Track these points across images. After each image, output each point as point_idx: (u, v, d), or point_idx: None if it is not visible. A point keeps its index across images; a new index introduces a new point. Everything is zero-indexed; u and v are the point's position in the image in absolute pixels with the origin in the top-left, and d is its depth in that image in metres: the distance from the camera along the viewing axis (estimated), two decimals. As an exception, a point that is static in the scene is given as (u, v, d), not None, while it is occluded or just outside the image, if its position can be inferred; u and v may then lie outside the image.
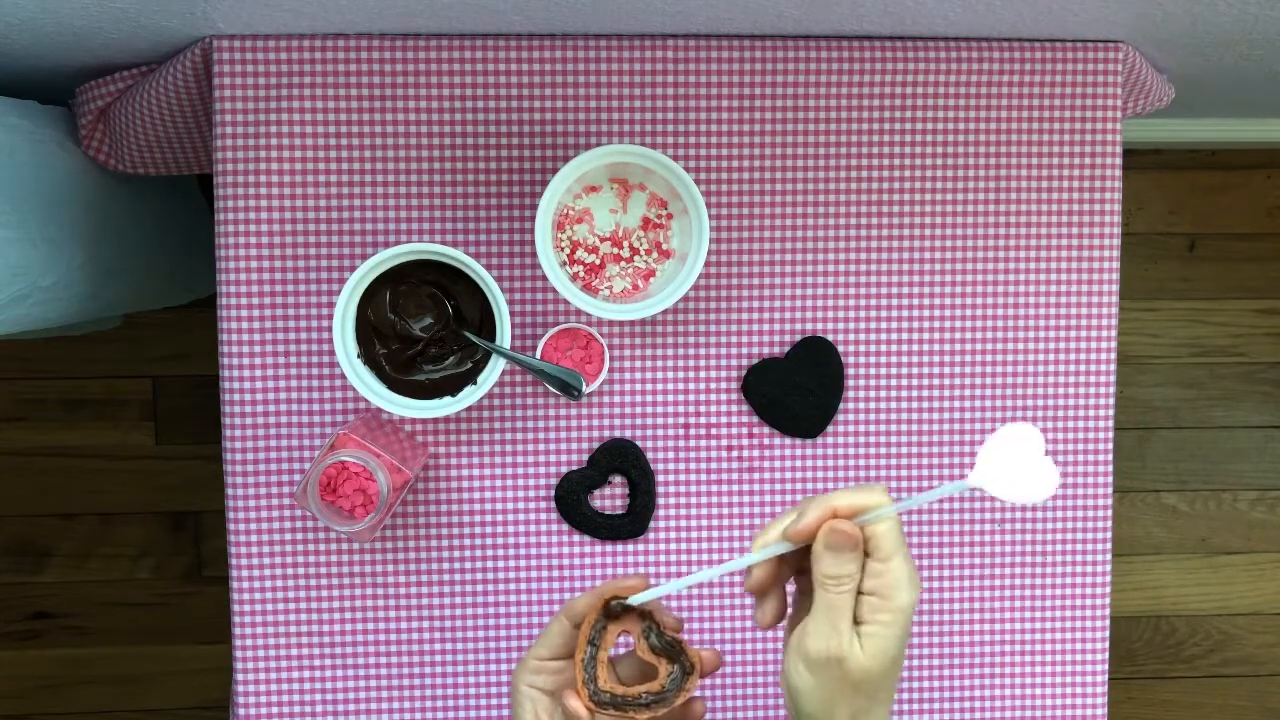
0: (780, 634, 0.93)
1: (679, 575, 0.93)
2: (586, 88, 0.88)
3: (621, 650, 0.75)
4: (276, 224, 0.88)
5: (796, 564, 0.67)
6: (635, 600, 0.70)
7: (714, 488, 0.92)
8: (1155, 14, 0.84)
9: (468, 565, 0.92)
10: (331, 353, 0.88)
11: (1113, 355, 0.94)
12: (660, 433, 0.92)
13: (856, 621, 0.62)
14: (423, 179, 0.89)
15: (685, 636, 0.92)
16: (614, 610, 0.71)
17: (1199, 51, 0.95)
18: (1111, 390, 0.94)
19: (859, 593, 0.62)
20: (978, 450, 0.62)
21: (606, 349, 0.90)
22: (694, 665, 0.70)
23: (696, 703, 0.73)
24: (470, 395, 0.84)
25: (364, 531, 0.83)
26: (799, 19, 0.85)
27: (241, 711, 0.91)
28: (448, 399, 0.84)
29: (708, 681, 0.93)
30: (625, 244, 0.88)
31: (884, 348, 0.92)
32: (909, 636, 0.64)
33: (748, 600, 0.93)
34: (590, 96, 0.89)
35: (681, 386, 0.91)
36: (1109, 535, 0.95)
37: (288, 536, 0.90)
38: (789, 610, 0.68)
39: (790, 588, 0.69)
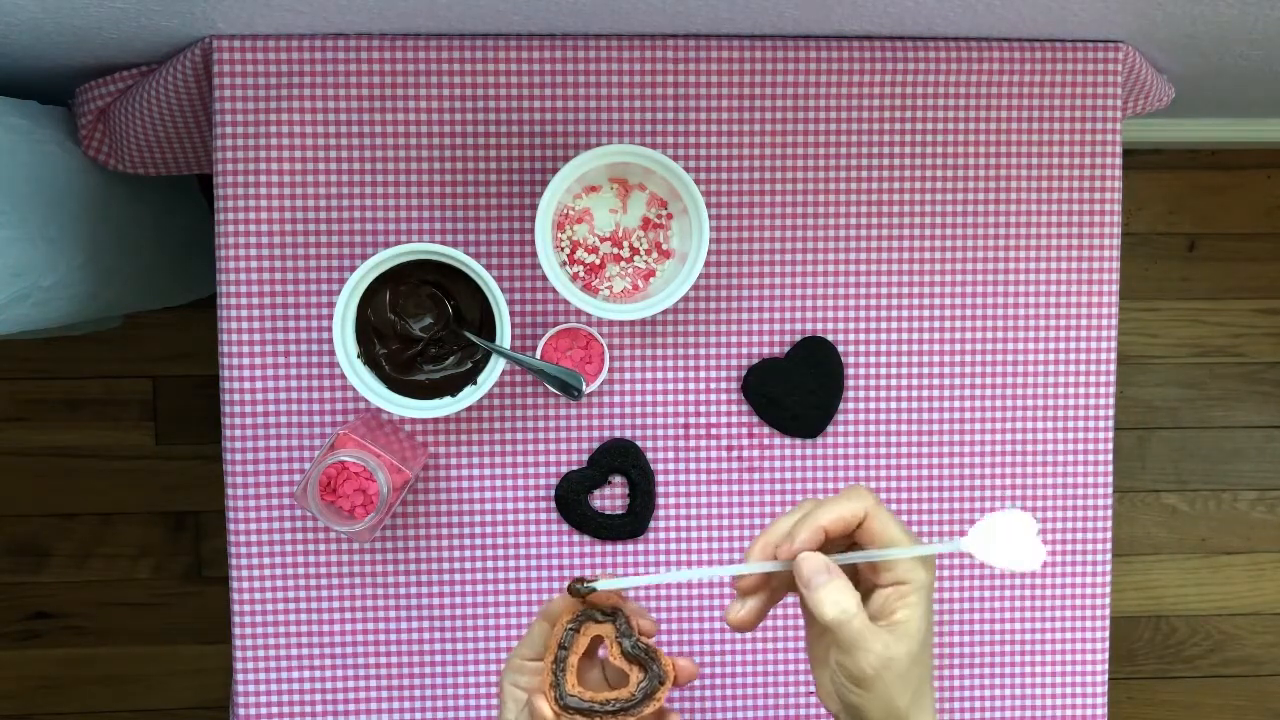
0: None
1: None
2: (586, 88, 0.88)
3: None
4: (276, 224, 0.88)
5: (790, 578, 0.66)
6: (600, 586, 0.68)
7: (714, 488, 0.92)
8: (1155, 14, 0.84)
9: (468, 565, 0.92)
10: (331, 353, 0.88)
11: (1113, 355, 0.94)
12: (660, 433, 0.92)
13: (885, 616, 0.64)
14: (423, 179, 0.89)
15: (683, 639, 0.92)
16: (584, 602, 0.69)
17: (1199, 51, 0.95)
18: (1111, 390, 0.94)
19: (879, 587, 0.64)
20: (976, 520, 0.67)
21: (606, 349, 0.90)
22: (666, 675, 0.69)
23: (671, 714, 0.71)
24: (470, 395, 0.84)
25: (364, 531, 0.83)
26: (799, 19, 0.85)
27: (241, 711, 0.91)
28: (448, 399, 0.84)
29: (705, 681, 0.93)
30: (625, 244, 0.88)
31: (884, 348, 0.92)
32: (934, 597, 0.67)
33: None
34: (590, 96, 0.89)
35: (681, 386, 0.91)
36: (1109, 535, 0.95)
37: (288, 536, 0.90)
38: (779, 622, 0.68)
39: (792, 599, 0.68)
